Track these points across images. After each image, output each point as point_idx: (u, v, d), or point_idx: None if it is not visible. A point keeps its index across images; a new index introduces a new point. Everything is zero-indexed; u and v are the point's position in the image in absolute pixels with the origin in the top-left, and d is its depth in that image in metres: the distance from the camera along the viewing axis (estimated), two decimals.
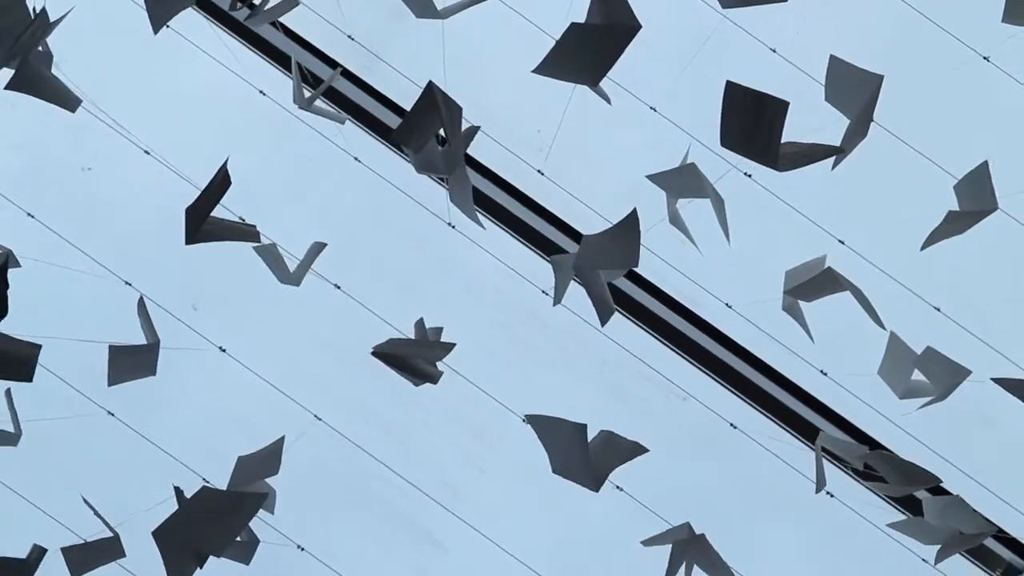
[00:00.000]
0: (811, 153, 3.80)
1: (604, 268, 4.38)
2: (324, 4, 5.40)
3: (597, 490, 4.31)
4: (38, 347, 4.29)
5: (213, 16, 5.69)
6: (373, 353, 4.65)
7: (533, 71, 3.73)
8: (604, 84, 4.44)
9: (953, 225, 4.45)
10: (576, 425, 4.18)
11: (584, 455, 4.21)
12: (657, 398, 6.02)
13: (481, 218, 4.51)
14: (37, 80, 4.23)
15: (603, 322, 4.58)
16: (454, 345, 4.79)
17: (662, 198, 4.79)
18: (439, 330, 5.04)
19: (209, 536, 4.01)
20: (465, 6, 4.57)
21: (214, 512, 4.01)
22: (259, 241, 4.65)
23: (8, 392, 5.00)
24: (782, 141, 3.75)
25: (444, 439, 6.21)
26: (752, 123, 3.68)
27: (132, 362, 4.67)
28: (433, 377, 4.72)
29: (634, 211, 4.06)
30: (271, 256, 5.04)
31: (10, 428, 5.06)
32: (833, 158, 3.91)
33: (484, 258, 5.86)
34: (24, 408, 5.07)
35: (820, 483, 4.90)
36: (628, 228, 4.10)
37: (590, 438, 4.26)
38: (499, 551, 6.05)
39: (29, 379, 4.33)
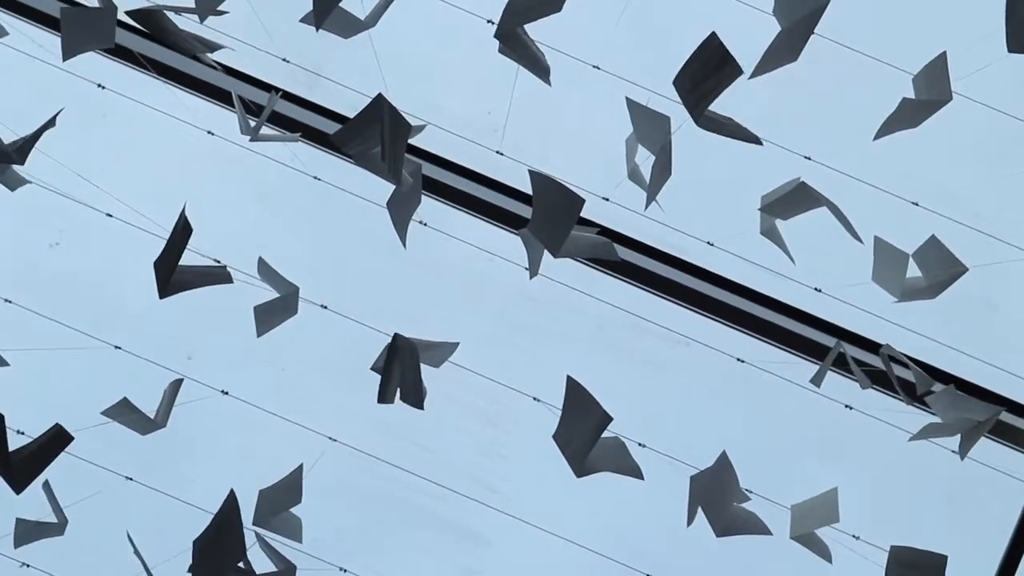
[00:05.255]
0: (731, 130, 4.01)
1: (568, 230, 4.36)
2: (254, 33, 5.37)
3: (579, 476, 4.37)
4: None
5: (150, 66, 5.65)
6: (395, 336, 4.64)
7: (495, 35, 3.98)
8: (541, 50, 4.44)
9: (907, 115, 4.43)
10: (603, 414, 4.19)
11: (589, 443, 4.23)
12: (660, 349, 6.03)
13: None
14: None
15: (614, 260, 4.65)
16: (422, 411, 4.75)
17: (624, 155, 4.79)
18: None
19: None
20: (385, 7, 4.56)
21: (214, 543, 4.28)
22: (231, 281, 4.68)
23: (47, 484, 5.00)
24: (710, 108, 3.96)
25: (461, 434, 6.22)
26: (707, 74, 3.83)
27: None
28: (387, 398, 4.70)
29: (530, 171, 4.11)
30: (273, 314, 5.01)
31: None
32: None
33: (462, 248, 5.86)
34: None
35: (818, 379, 4.96)
36: (545, 186, 4.11)
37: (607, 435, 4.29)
38: (542, 534, 6.07)
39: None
